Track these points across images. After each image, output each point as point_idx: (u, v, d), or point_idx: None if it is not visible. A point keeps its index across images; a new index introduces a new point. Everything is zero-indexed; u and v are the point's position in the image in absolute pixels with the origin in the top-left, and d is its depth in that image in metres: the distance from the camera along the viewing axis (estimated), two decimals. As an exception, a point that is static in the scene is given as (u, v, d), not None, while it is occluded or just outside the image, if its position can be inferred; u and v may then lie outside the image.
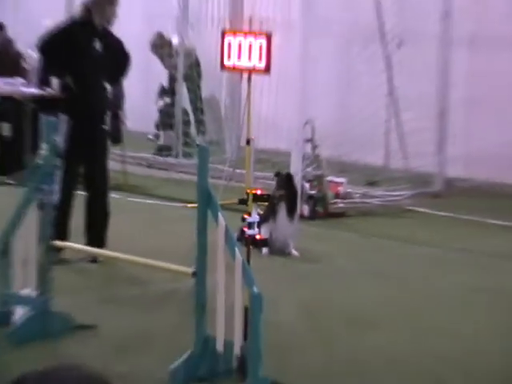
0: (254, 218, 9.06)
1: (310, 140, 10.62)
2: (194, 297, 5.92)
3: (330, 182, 10.81)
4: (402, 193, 11.45)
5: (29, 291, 6.61)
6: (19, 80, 12.17)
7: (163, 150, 13.41)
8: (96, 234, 8.39)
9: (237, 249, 5.83)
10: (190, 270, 5.98)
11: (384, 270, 8.68)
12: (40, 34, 8.90)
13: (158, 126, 13.95)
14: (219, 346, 5.80)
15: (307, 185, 10.47)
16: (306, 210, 10.30)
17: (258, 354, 5.63)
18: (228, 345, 5.78)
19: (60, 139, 7.58)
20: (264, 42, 10.16)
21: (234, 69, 10.64)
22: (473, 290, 8.10)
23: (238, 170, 11.05)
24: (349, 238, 9.83)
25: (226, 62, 10.52)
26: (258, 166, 10.21)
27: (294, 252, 8.97)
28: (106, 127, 8.76)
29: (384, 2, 11.82)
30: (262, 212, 9.06)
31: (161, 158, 13.18)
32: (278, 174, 9.56)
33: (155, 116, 13.87)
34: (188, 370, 5.75)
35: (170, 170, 12.56)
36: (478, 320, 7.34)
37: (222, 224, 5.83)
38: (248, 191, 8.59)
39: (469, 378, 6.10)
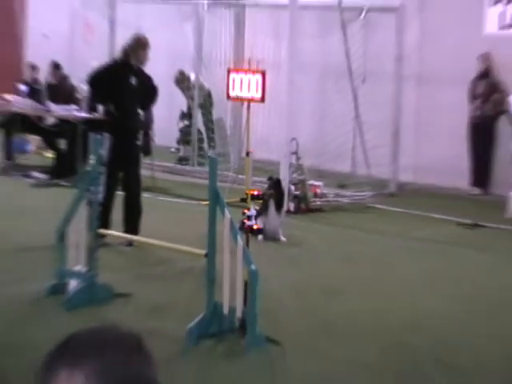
0: (252, 212, 9.11)
1: (295, 153, 10.60)
2: (205, 273, 5.92)
3: (310, 184, 10.79)
4: (365, 193, 11.43)
5: (80, 268, 6.61)
6: (73, 107, 12.15)
7: (183, 160, 13.41)
8: (131, 224, 8.37)
9: (238, 236, 5.83)
10: (203, 252, 5.98)
11: (352, 252, 8.66)
12: (88, 71, 8.91)
13: (178, 142, 13.95)
14: (225, 310, 5.80)
15: (293, 187, 10.45)
16: (291, 206, 10.28)
17: (254, 317, 5.64)
18: (232, 309, 5.78)
19: (104, 152, 7.59)
20: (260, 77, 10.21)
21: (236, 98, 10.74)
22: (422, 268, 8.11)
23: (239, 176, 11.03)
24: (324, 228, 9.81)
25: (230, 93, 10.59)
26: (254, 172, 10.24)
27: (283, 238, 8.96)
28: (139, 143, 8.75)
29: (351, 47, 11.81)
30: (257, 208, 9.07)
31: (181, 167, 13.17)
32: (270, 178, 9.57)
33: (177, 134, 13.86)
34: (201, 329, 5.75)
35: (188, 175, 12.54)
36: (426, 289, 7.34)
37: (227, 217, 5.82)
38: (247, 192, 8.61)
39: (415, 331, 6.11)
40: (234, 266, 5.76)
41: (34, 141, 13.42)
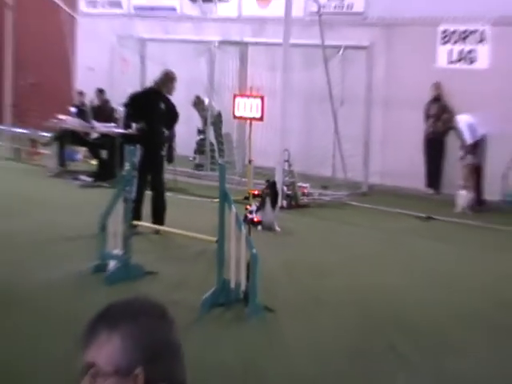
0: (253, 208, 9.11)
1: (287, 160, 10.60)
2: (216, 255, 5.91)
3: (299, 186, 10.78)
4: (342, 193, 11.42)
5: (117, 251, 6.61)
6: (112, 124, 12.16)
7: (198, 167, 13.35)
8: (158, 217, 8.36)
9: (242, 226, 5.83)
10: (214, 239, 5.98)
11: (334, 240, 8.65)
12: (125, 97, 8.91)
13: (195, 152, 13.87)
14: (232, 285, 5.80)
15: (285, 188, 10.44)
16: (284, 203, 10.26)
17: (255, 290, 5.63)
18: (237, 284, 5.77)
19: (136, 160, 7.58)
20: (259, 101, 10.21)
21: (241, 118, 10.74)
22: (388, 251, 8.09)
23: (243, 179, 11.03)
24: (311, 220, 9.80)
25: (236, 113, 10.59)
26: (255, 176, 10.25)
27: (278, 228, 8.93)
28: (164, 153, 8.74)
29: (332, 78, 11.79)
30: (257, 204, 9.07)
31: (197, 172, 13.14)
32: (267, 181, 9.55)
33: (194, 146, 13.83)
34: (213, 299, 5.75)
35: (203, 179, 12.50)
36: (393, 267, 7.33)
37: (233, 211, 5.82)
38: (249, 192, 8.63)
39: (383, 301, 6.10)
40: (238, 250, 5.76)
41: (81, 151, 13.45)
